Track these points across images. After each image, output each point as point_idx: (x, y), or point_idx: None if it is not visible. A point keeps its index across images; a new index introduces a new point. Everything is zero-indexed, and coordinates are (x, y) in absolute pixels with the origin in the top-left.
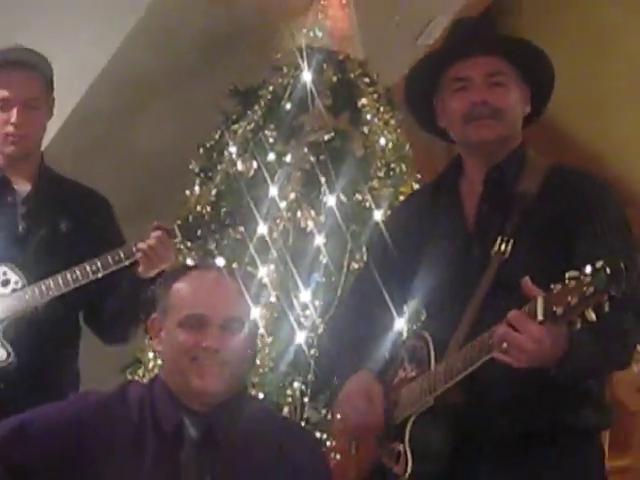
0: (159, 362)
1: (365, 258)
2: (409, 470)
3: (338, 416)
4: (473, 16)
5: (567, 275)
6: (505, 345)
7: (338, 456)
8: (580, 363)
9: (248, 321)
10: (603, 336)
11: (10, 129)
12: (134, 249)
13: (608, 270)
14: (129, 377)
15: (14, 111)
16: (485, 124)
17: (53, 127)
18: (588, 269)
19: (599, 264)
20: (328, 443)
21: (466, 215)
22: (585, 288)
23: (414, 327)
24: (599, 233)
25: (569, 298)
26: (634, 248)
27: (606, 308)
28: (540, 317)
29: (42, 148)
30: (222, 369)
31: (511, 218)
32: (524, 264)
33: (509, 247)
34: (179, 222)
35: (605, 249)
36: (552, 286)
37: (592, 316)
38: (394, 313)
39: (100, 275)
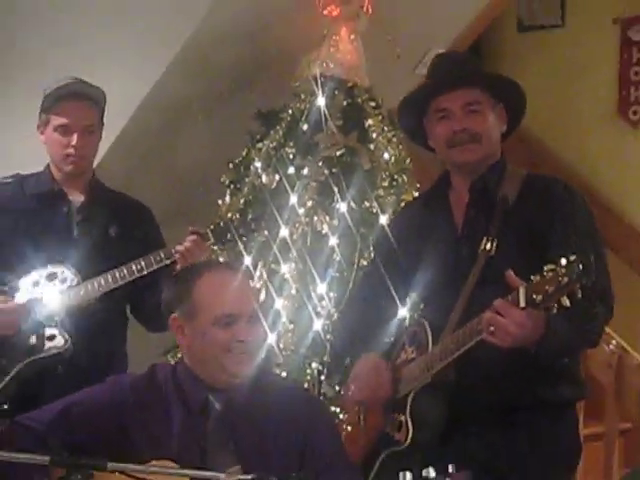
0: None
1: (372, 256)
2: (409, 437)
3: (350, 390)
4: (463, 48)
5: (545, 267)
6: (492, 328)
7: (349, 427)
8: (557, 343)
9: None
10: (576, 319)
11: (71, 151)
12: (173, 251)
13: (580, 263)
14: (171, 360)
15: (74, 136)
16: (466, 149)
17: (104, 146)
18: (563, 262)
19: (572, 258)
20: (341, 416)
21: (455, 220)
22: (560, 278)
23: (414, 315)
24: (570, 231)
25: (547, 287)
26: (600, 243)
27: (578, 295)
28: (522, 304)
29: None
30: (251, 356)
31: (494, 221)
32: (507, 260)
33: (494, 246)
34: (212, 227)
35: (576, 245)
36: (532, 277)
37: (566, 302)
38: (398, 303)
39: (144, 273)
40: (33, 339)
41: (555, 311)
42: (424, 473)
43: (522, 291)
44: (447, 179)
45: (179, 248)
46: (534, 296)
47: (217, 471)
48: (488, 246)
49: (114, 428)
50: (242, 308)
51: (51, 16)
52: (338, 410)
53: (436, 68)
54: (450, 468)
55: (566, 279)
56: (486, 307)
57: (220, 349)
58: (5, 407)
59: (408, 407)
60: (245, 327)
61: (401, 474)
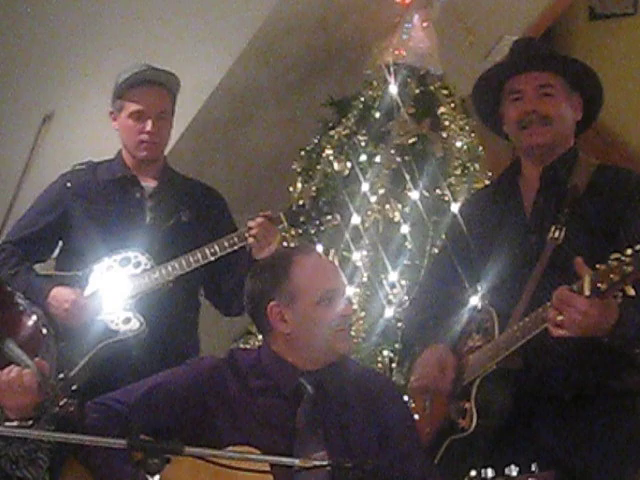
0: None
1: (444, 243)
2: (474, 424)
3: (414, 378)
4: (535, 37)
5: (611, 257)
6: (560, 317)
7: (416, 416)
8: (630, 331)
9: None
10: None
11: (145, 137)
12: (246, 234)
13: None
14: (241, 346)
15: (149, 122)
16: (535, 131)
17: (176, 133)
18: (629, 251)
19: (638, 247)
20: (410, 404)
21: (524, 207)
22: (626, 267)
23: (482, 303)
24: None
25: (612, 276)
26: None
27: None
28: (587, 292)
29: (166, 152)
30: (350, 332)
31: (563, 209)
32: (575, 249)
33: (562, 234)
34: (284, 212)
35: None
36: (597, 266)
37: (631, 292)
38: (468, 290)
39: (217, 256)
40: (108, 324)
41: (620, 300)
42: (506, 471)
43: (587, 280)
44: (518, 166)
45: (252, 231)
46: (599, 285)
47: (303, 456)
48: (557, 234)
49: (196, 411)
50: (339, 283)
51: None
52: (406, 398)
53: (513, 50)
54: (533, 467)
55: (631, 268)
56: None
57: (328, 327)
58: (74, 388)
59: (473, 394)
60: (346, 301)
61: (482, 470)
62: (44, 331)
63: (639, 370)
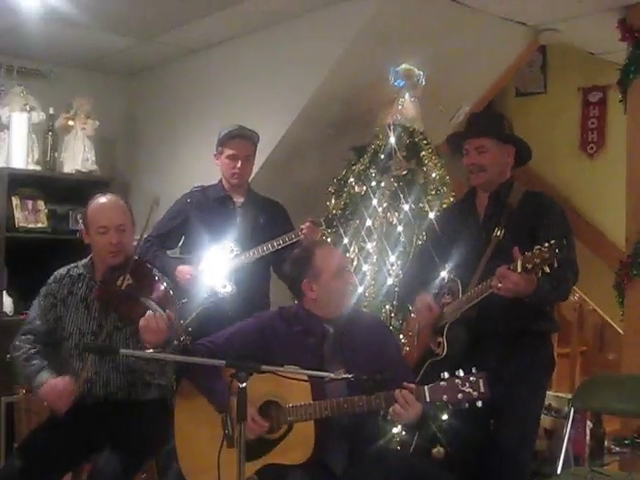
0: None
1: (424, 238)
2: (444, 352)
3: (414, 314)
4: (481, 106)
5: (535, 247)
6: (500, 285)
7: (407, 348)
8: (542, 295)
9: None
10: (555, 281)
11: (236, 171)
12: (299, 232)
13: (556, 246)
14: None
15: (239, 162)
16: (476, 175)
17: (256, 168)
18: (546, 245)
19: (552, 242)
20: (403, 340)
21: (478, 216)
22: (544, 254)
23: (450, 275)
24: (551, 224)
25: (535, 260)
26: (571, 234)
27: (555, 265)
28: (519, 270)
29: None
30: (355, 292)
31: (503, 218)
32: (509, 242)
33: (502, 233)
34: (323, 218)
35: (555, 235)
36: (526, 253)
37: (547, 270)
38: (440, 268)
39: (281, 247)
40: (212, 288)
41: (540, 275)
42: (456, 373)
43: (519, 262)
44: (474, 191)
45: (303, 231)
46: (527, 265)
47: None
48: (498, 233)
49: (260, 347)
50: (345, 262)
51: (220, 83)
52: (402, 336)
53: (467, 122)
54: (473, 370)
55: (547, 255)
56: (495, 272)
57: (342, 292)
58: (189, 329)
59: (445, 332)
60: (349, 274)
61: (441, 374)
62: (171, 293)
63: (549, 319)
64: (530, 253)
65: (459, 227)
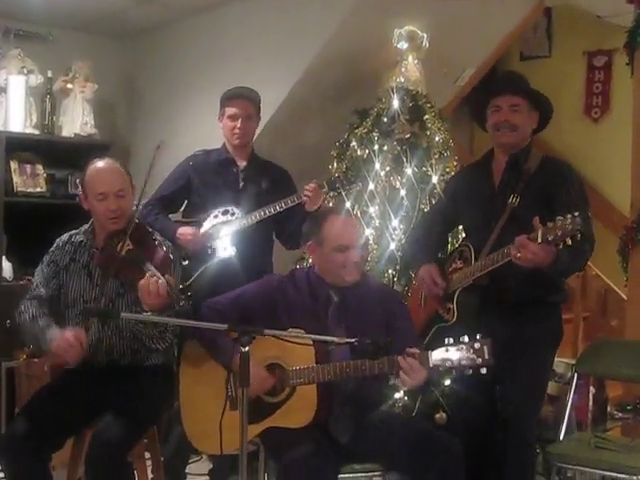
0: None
1: (431, 203)
2: (455, 317)
3: (416, 284)
4: (485, 70)
5: (557, 218)
6: (519, 254)
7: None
8: (560, 267)
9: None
10: (573, 254)
11: (236, 131)
12: (302, 195)
13: (580, 217)
14: (297, 266)
15: (239, 121)
16: (505, 134)
17: (258, 130)
18: (569, 216)
19: (576, 214)
20: (406, 301)
21: (494, 180)
22: (567, 226)
23: (462, 240)
24: (570, 194)
25: (557, 231)
26: (588, 205)
27: (578, 238)
28: (539, 240)
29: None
30: (359, 270)
31: (520, 184)
32: (525, 211)
33: (517, 200)
34: (325, 181)
35: (575, 205)
36: (548, 224)
37: (569, 242)
38: (446, 233)
39: (283, 209)
40: (212, 250)
41: (561, 247)
42: (461, 338)
43: (540, 232)
44: (492, 153)
45: (306, 193)
46: (547, 236)
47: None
48: (514, 201)
49: (267, 309)
50: (353, 241)
51: (221, 46)
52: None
53: (498, 79)
54: (478, 336)
55: (570, 227)
56: (509, 240)
57: (338, 266)
58: (189, 294)
59: (455, 298)
60: (356, 253)
61: (445, 339)
62: (171, 257)
63: (561, 290)
64: (552, 224)
65: (473, 191)
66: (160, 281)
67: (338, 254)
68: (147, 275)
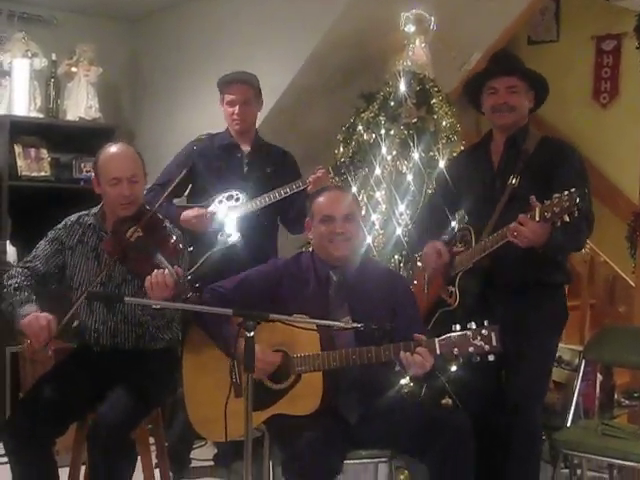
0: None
1: (435, 187)
2: (457, 301)
3: (419, 264)
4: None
5: (554, 195)
6: (515, 234)
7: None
8: (555, 245)
9: (359, 217)
10: (570, 231)
11: (235, 116)
12: (307, 180)
13: (577, 194)
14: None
15: (237, 107)
16: (504, 115)
17: (263, 114)
18: (566, 192)
19: (573, 190)
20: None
21: (493, 162)
22: (564, 203)
23: (463, 223)
24: (570, 173)
25: (555, 208)
26: (589, 183)
27: (575, 214)
28: (537, 218)
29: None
30: (346, 243)
31: (519, 164)
32: (525, 190)
33: (517, 181)
34: (331, 167)
35: (574, 182)
36: (545, 201)
37: (566, 219)
38: (449, 216)
39: (287, 195)
40: (218, 235)
41: (559, 224)
42: (468, 325)
43: (538, 210)
44: (490, 135)
45: (310, 178)
46: (545, 213)
47: (335, 320)
48: (514, 181)
49: (271, 293)
50: (335, 211)
51: (226, 29)
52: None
53: (492, 60)
54: (485, 322)
55: (567, 203)
56: (510, 221)
57: (323, 239)
58: (197, 285)
59: (457, 282)
60: (340, 224)
61: (453, 326)
62: (180, 246)
63: (563, 271)
64: (549, 201)
65: (473, 173)
66: (166, 272)
67: (323, 226)
68: (155, 271)
